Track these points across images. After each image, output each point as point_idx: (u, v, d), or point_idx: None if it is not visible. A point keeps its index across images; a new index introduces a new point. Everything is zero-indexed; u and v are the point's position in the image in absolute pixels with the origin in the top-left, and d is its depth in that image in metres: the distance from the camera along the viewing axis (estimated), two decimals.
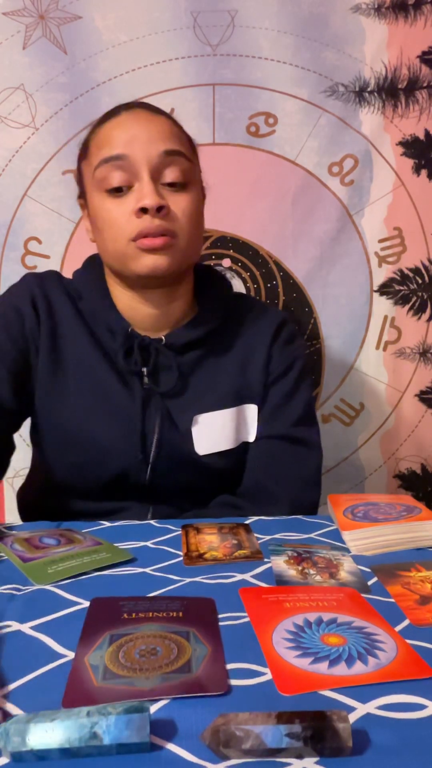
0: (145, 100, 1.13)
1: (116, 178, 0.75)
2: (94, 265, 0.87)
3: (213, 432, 0.82)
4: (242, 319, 0.88)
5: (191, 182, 0.78)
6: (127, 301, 0.83)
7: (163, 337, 0.82)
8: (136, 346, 0.80)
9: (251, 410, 0.85)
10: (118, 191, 0.75)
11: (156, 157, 0.75)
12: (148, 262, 0.76)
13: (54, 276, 0.88)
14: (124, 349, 0.80)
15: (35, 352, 0.82)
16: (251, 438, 0.85)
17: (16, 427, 0.85)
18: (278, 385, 0.85)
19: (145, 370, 0.81)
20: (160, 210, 0.74)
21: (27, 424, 0.91)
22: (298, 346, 0.90)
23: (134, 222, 0.74)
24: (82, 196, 0.83)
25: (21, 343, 0.81)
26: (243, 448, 0.84)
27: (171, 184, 0.76)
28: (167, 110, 0.86)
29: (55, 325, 0.82)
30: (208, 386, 0.83)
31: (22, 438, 0.89)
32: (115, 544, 0.62)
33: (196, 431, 0.81)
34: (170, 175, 0.76)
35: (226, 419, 0.82)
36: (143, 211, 0.74)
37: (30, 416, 0.85)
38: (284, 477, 0.83)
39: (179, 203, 0.76)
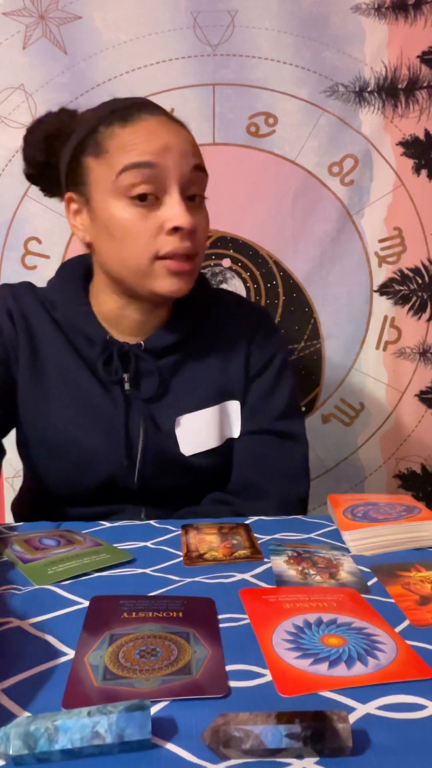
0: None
1: (143, 187, 0.70)
2: (68, 272, 0.85)
3: (197, 432, 0.81)
4: (220, 317, 0.86)
5: (203, 198, 0.77)
6: (113, 307, 0.81)
7: (142, 342, 0.80)
8: (115, 354, 0.79)
9: (234, 406, 0.84)
10: (142, 199, 0.71)
11: (187, 172, 0.72)
12: (172, 286, 0.74)
13: (27, 286, 0.85)
14: (104, 358, 0.79)
15: (15, 361, 0.80)
16: (236, 434, 0.84)
17: (3, 434, 0.84)
18: (260, 380, 0.85)
19: (126, 376, 0.80)
20: (192, 231, 0.72)
21: None
22: (278, 339, 0.89)
23: (163, 239, 0.71)
24: (78, 191, 0.77)
25: (2, 353, 0.80)
26: (229, 444, 0.84)
27: (191, 198, 0.74)
28: (167, 110, 0.85)
29: (33, 335, 0.81)
30: (190, 387, 0.82)
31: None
32: (115, 545, 0.62)
33: (180, 432, 0.80)
34: (194, 191, 0.74)
35: (209, 418, 0.82)
36: (175, 230, 0.71)
37: (15, 427, 0.84)
38: (271, 472, 0.83)
39: (200, 220, 0.75)
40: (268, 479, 0.82)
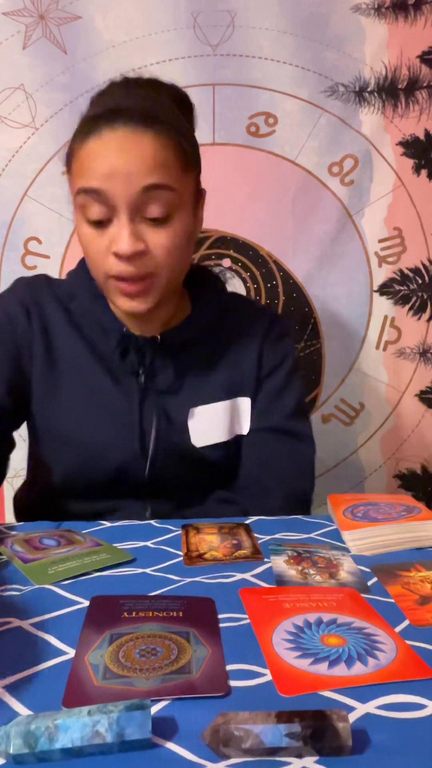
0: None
1: (94, 212, 0.71)
2: (87, 268, 0.86)
3: (209, 424, 0.83)
4: (235, 317, 0.89)
5: (176, 211, 0.73)
6: None
7: (158, 336, 0.81)
8: (131, 346, 0.81)
9: (245, 403, 0.86)
10: (96, 222, 0.72)
11: (135, 194, 0.69)
12: (126, 305, 0.76)
13: (43, 280, 0.87)
14: (121, 350, 0.80)
15: (29, 356, 0.82)
16: (245, 431, 0.86)
17: (16, 426, 0.86)
18: (270, 380, 0.87)
19: (141, 369, 0.81)
20: (136, 254, 0.71)
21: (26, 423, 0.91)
22: (289, 342, 0.92)
23: (111, 261, 0.72)
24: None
25: (13, 348, 0.81)
26: (238, 441, 0.86)
27: (153, 219, 0.71)
28: (147, 107, 0.77)
29: (47, 328, 0.82)
30: (203, 381, 0.84)
31: (22, 438, 0.89)
32: (115, 545, 0.62)
33: (192, 424, 0.82)
34: (152, 210, 0.70)
35: (220, 411, 0.84)
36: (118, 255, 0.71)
37: (27, 420, 0.85)
38: (278, 468, 0.84)
39: (160, 240, 0.72)
40: (275, 476, 0.83)
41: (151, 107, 0.72)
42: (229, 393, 0.84)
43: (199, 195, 0.80)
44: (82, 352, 0.82)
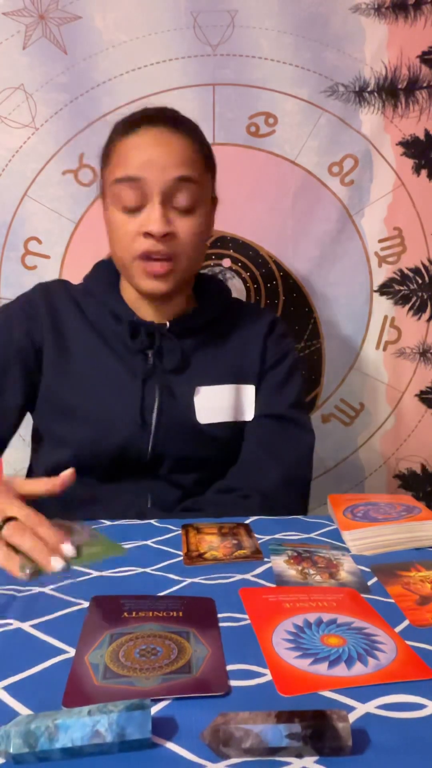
0: (146, 100, 1.13)
1: (130, 199, 0.80)
2: (103, 268, 0.95)
3: (214, 403, 0.88)
4: (239, 315, 0.95)
5: (199, 205, 0.83)
6: (133, 294, 0.90)
7: (167, 323, 0.87)
8: (142, 330, 0.86)
9: (249, 390, 0.91)
10: (129, 209, 0.81)
11: (169, 183, 0.79)
12: (149, 286, 0.84)
13: (60, 284, 0.96)
14: (130, 330, 0.86)
15: (39, 349, 0.88)
16: (249, 417, 0.90)
17: (19, 419, 0.91)
18: (273, 372, 0.92)
19: (150, 352, 0.87)
20: (165, 236, 0.80)
21: (27, 424, 0.91)
22: (290, 342, 0.98)
23: (140, 241, 0.81)
24: (103, 193, 0.88)
25: (24, 342, 0.87)
26: (241, 426, 0.90)
27: (180, 209, 0.81)
28: (178, 114, 0.87)
29: (60, 324, 0.89)
30: (208, 365, 0.89)
31: (22, 437, 0.89)
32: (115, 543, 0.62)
33: (198, 401, 0.87)
34: (180, 200, 0.81)
35: (226, 393, 0.89)
36: (148, 234, 0.80)
37: (30, 410, 0.90)
38: (278, 452, 0.88)
39: (185, 227, 0.82)
40: (274, 458, 0.87)
41: (179, 116, 0.86)
42: (235, 378, 0.90)
43: (213, 200, 0.89)
44: (92, 338, 0.88)
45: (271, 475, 0.85)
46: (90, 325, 0.89)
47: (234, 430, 0.89)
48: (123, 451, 0.84)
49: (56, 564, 0.54)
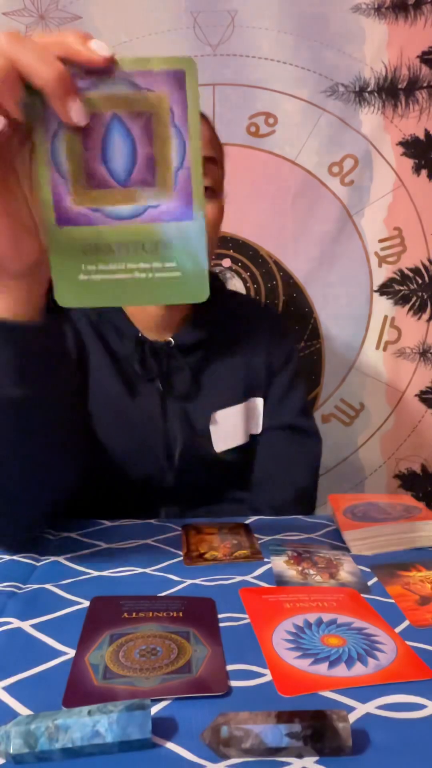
0: None
1: None
2: None
3: (228, 428, 0.85)
4: (239, 316, 0.92)
5: (218, 189, 0.80)
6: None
7: (171, 339, 0.83)
8: (147, 351, 0.81)
9: (258, 403, 0.89)
10: None
11: None
12: None
13: None
14: (139, 356, 0.81)
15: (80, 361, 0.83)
16: (258, 430, 0.88)
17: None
18: (280, 377, 0.90)
19: (158, 377, 0.82)
20: None
21: None
22: (292, 340, 0.98)
23: None
24: None
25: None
26: (251, 441, 0.88)
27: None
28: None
29: (79, 339, 0.83)
30: (219, 383, 0.86)
31: None
32: (115, 544, 0.62)
33: (214, 429, 0.83)
34: (204, 180, 0.77)
35: (238, 414, 0.86)
36: None
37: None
38: (290, 465, 0.87)
39: (207, 210, 0.77)
40: (287, 471, 0.86)
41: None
42: (245, 394, 0.87)
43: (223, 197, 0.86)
44: (104, 361, 0.82)
45: (283, 492, 0.85)
46: (101, 340, 0.83)
47: (246, 450, 0.86)
48: (144, 487, 0.81)
49: (99, 49, 0.39)
